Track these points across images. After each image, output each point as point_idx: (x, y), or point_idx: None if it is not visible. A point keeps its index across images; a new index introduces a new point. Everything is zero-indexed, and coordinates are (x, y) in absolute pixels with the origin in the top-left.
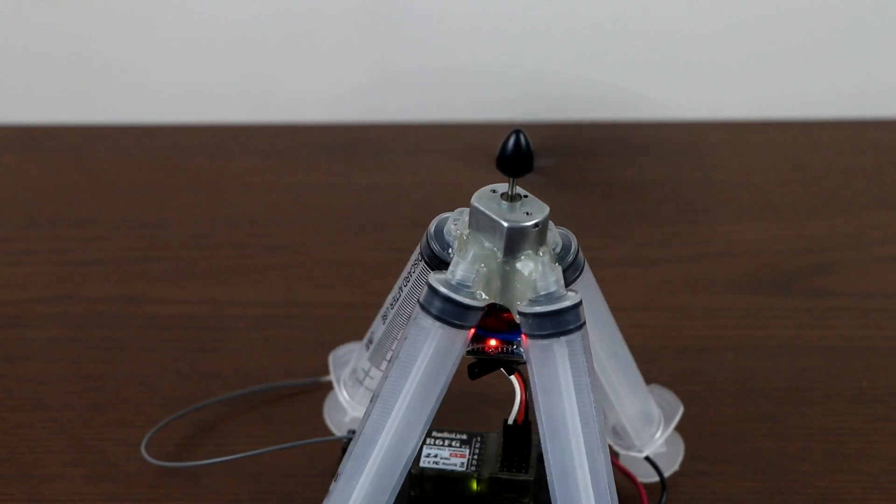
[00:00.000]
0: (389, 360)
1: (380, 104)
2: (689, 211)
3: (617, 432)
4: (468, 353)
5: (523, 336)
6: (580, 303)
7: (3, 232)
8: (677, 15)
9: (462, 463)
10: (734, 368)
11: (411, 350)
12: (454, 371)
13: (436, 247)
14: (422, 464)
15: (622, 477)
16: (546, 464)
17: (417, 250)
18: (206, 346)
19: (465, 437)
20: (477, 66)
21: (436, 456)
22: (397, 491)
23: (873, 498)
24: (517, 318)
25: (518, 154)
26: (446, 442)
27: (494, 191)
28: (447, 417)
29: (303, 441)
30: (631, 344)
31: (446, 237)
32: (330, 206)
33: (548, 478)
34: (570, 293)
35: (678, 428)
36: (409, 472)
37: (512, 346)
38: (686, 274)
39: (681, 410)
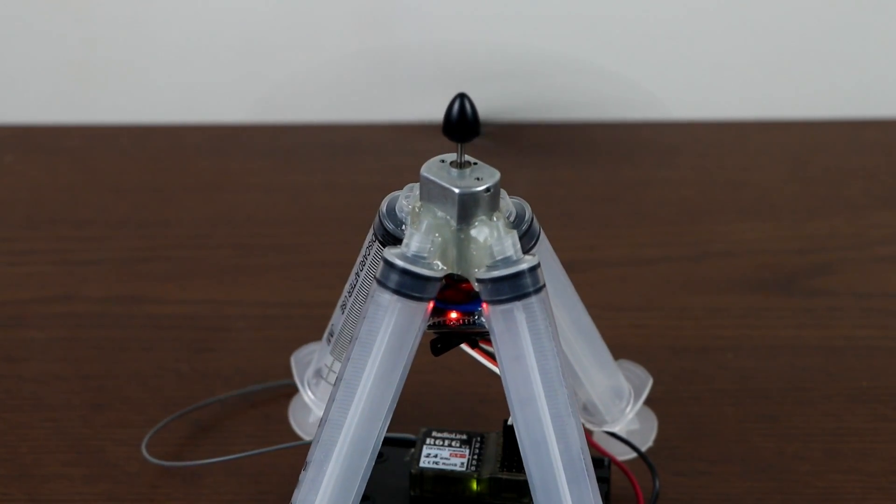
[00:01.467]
0: (350, 342)
1: (380, 104)
2: (689, 211)
3: (587, 409)
4: (429, 327)
5: (484, 304)
6: (538, 265)
7: (3, 232)
8: (677, 15)
9: (462, 463)
10: (734, 368)
11: (371, 328)
12: (416, 346)
13: (389, 225)
14: (421, 464)
15: (615, 471)
16: (518, 437)
17: (371, 232)
18: (206, 346)
19: (465, 437)
20: (477, 66)
21: (436, 456)
22: (367, 476)
23: (873, 498)
24: (476, 287)
25: (463, 119)
26: (446, 442)
27: (443, 160)
28: (447, 417)
29: (302, 441)
30: (631, 344)
31: (399, 214)
32: (330, 206)
33: (520, 450)
34: (527, 256)
35: (659, 410)
36: (409, 472)
37: (473, 317)
38: (686, 274)
39: (650, 383)
